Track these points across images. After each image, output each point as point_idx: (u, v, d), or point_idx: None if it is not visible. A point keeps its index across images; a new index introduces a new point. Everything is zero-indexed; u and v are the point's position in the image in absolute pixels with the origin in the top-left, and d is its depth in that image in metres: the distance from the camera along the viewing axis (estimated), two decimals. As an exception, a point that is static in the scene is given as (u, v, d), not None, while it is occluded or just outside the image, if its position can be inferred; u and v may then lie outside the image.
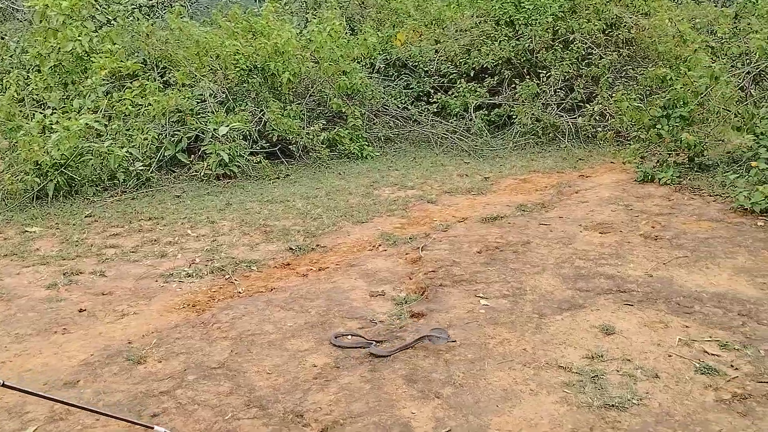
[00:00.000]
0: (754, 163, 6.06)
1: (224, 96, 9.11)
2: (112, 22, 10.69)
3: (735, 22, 8.07)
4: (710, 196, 6.47)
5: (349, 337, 4.06)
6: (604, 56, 9.52)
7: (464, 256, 5.22)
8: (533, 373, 3.55)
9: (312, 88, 9.80)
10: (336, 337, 4.03)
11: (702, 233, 5.47)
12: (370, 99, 10.13)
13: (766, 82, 7.78)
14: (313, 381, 3.57)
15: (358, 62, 10.20)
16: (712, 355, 3.69)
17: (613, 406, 3.24)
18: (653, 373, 3.52)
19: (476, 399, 3.33)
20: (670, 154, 7.41)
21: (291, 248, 5.70)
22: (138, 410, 3.32)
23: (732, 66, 7.62)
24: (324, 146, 8.92)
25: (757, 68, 7.29)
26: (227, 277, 5.14)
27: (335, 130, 9.23)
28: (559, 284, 4.63)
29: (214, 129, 8.18)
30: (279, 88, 9.33)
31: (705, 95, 7.19)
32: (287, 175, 8.50)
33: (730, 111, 7.33)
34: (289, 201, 7.18)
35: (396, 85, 10.87)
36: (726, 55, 7.71)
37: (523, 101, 9.63)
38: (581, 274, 4.78)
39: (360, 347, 3.90)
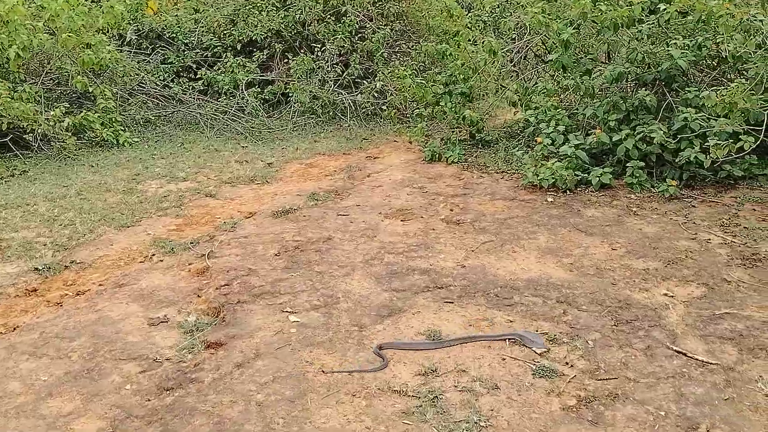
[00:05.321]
0: (539, 139, 6.11)
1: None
2: None
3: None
4: (497, 173, 6.44)
5: None
6: (377, 30, 9.22)
7: (261, 262, 4.50)
8: (365, 405, 3.00)
9: (49, 64, 8.23)
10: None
11: (500, 214, 5.35)
12: (122, 76, 8.85)
13: (531, 59, 8.04)
14: (85, 461, 2.67)
15: (105, 34, 8.78)
16: (544, 352, 3.45)
17: (460, 433, 2.81)
18: (492, 383, 3.17)
19: (306, 453, 2.70)
20: (453, 131, 7.33)
21: (37, 268, 4.55)
22: None
23: (505, 41, 7.72)
24: (69, 134, 7.53)
25: (527, 44, 7.45)
26: (-53, 316, 3.88)
27: (82, 113, 7.83)
28: (373, 286, 4.14)
29: None
30: (5, 66, 7.65)
31: (482, 71, 7.17)
32: (24, 171, 7.00)
33: (505, 86, 7.43)
34: (30, 204, 5.84)
35: (152, 59, 9.62)
36: (498, 30, 7.82)
37: (298, 77, 9.01)
38: (394, 271, 4.34)
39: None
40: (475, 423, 2.87)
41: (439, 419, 2.90)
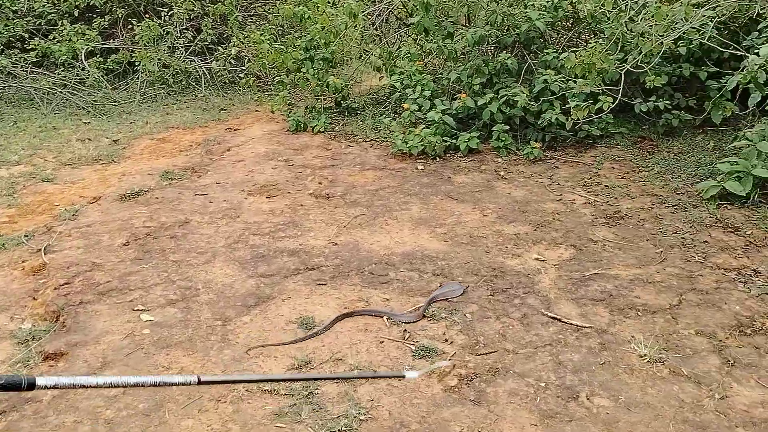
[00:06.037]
0: (405, 105, 5.93)
1: None
2: None
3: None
4: (365, 141, 6.21)
5: None
6: (229, -8, 8.63)
7: (107, 253, 4.02)
8: (232, 410, 2.71)
9: None
10: None
11: (371, 185, 5.14)
12: (-60, 49, 7.73)
13: (393, 22, 7.82)
14: None
15: None
16: (422, 330, 3.29)
17: (339, 431, 2.59)
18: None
19: (165, 475, 2.37)
20: (317, 99, 7.01)
21: None
22: None
23: (366, 4, 7.42)
24: None
25: (388, 6, 7.21)
26: None
27: None
28: (238, 273, 3.80)
29: None
30: None
31: (344, 35, 6.86)
32: None
33: (369, 51, 7.17)
34: None
35: (-25, 29, 8.49)
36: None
37: (144, 45, 8.27)
38: (260, 254, 4.02)
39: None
40: (354, 417, 2.67)
41: (315, 417, 2.67)
